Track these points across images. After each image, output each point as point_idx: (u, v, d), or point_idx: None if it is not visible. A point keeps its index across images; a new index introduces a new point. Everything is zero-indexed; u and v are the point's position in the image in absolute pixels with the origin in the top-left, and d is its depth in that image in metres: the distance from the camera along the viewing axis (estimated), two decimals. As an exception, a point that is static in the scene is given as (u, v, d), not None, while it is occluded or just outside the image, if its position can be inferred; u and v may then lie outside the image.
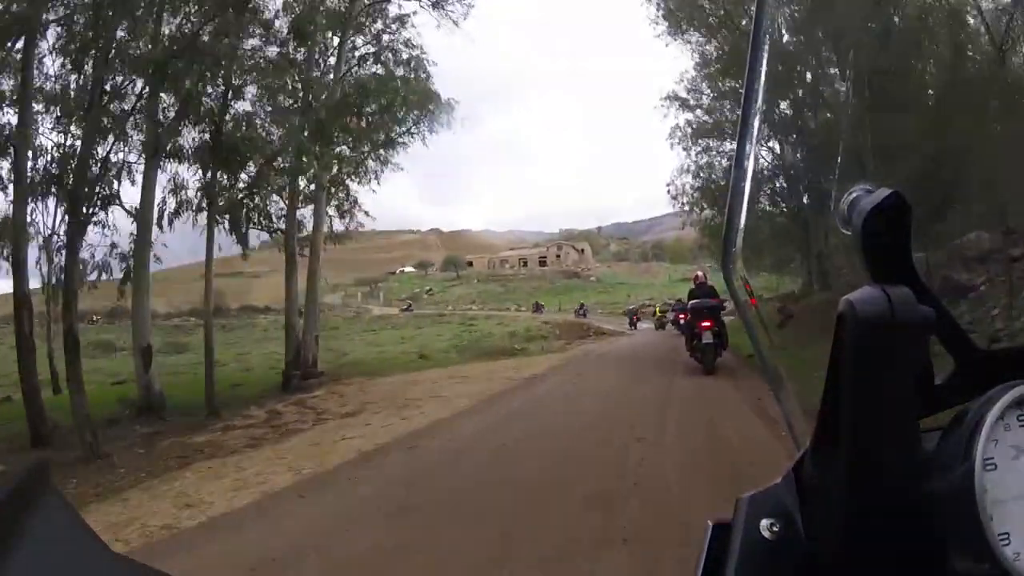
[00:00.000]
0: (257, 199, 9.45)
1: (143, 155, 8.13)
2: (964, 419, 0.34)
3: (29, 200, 7.21)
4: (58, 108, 7.57)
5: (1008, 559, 0.30)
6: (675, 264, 71.51)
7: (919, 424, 0.34)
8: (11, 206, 7.09)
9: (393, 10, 11.14)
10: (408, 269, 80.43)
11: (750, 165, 0.46)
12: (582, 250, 77.39)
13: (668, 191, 16.56)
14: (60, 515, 0.30)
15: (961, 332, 0.36)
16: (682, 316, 19.98)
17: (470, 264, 75.15)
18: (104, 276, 8.10)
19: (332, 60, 10.78)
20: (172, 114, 8.22)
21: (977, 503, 0.31)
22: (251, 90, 9.25)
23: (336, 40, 10.66)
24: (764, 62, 0.45)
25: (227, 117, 8.69)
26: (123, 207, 7.97)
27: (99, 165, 7.48)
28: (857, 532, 0.33)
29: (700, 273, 9.06)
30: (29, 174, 7.21)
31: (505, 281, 60.13)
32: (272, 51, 9.33)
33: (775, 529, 0.36)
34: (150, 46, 7.69)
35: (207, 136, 8.46)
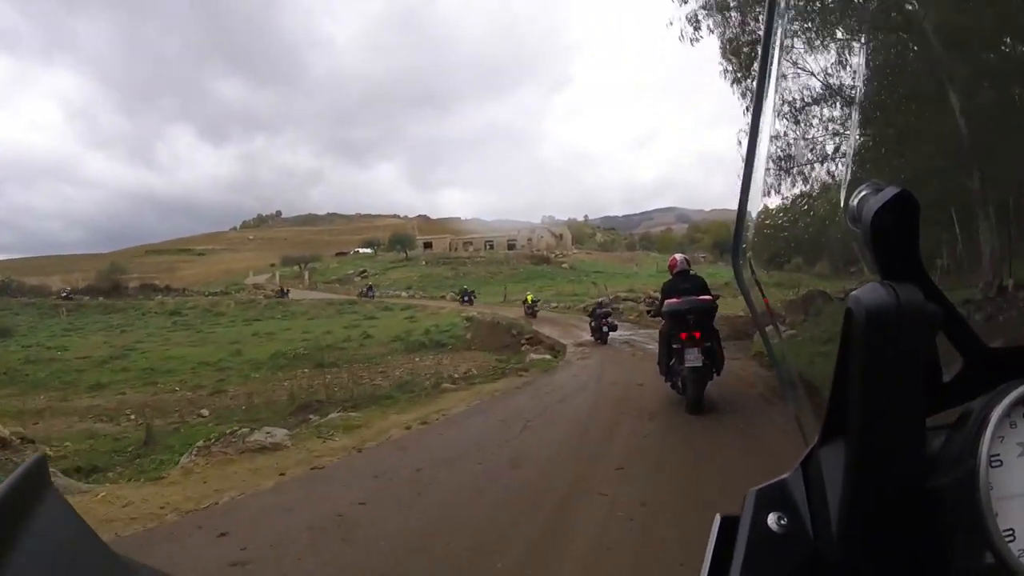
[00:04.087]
0: None
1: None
2: (971, 416, 0.33)
3: None
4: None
5: (1012, 555, 0.30)
6: (664, 254, 63.90)
7: (925, 420, 0.33)
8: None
9: None
10: (363, 250, 73.39)
11: (764, 144, 0.43)
12: (560, 236, 69.74)
13: None
14: (59, 513, 0.30)
15: (969, 329, 0.36)
16: (605, 324, 12.04)
17: (428, 246, 67.21)
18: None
19: None
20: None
21: (982, 499, 0.31)
22: None
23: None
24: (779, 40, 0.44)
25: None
26: None
27: None
28: (862, 526, 0.33)
29: (678, 257, 6.18)
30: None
31: (459, 264, 52.45)
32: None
33: (783, 522, 0.35)
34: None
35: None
